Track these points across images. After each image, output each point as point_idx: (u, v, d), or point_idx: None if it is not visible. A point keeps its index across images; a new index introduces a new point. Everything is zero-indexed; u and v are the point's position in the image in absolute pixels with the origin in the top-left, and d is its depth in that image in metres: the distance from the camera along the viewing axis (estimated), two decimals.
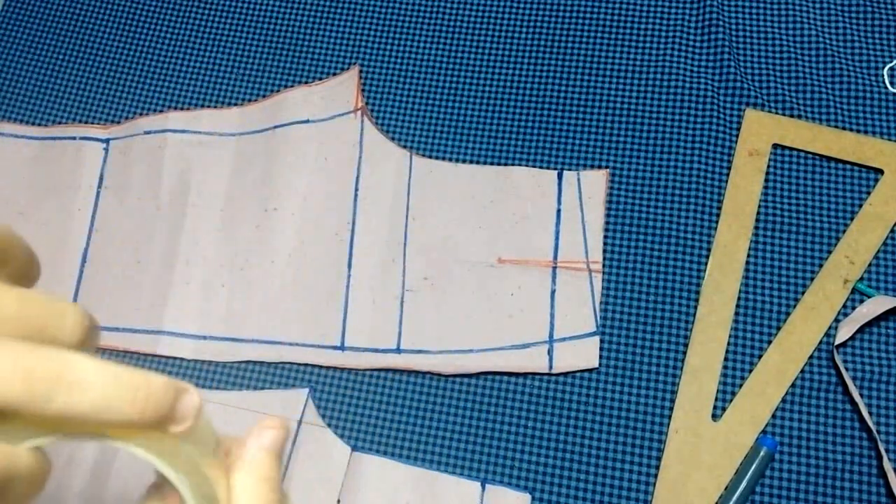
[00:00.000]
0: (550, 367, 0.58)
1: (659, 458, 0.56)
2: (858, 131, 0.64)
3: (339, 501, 0.55)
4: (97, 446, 0.58)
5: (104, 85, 0.71)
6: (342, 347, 0.60)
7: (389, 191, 0.64)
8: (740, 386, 0.57)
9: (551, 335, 0.59)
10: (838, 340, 0.57)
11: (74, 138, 0.68)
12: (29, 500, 0.24)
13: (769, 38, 0.68)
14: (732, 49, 0.67)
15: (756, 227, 0.62)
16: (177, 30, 0.72)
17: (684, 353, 0.58)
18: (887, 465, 0.54)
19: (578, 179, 0.64)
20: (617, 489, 0.55)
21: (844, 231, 0.61)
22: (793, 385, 0.57)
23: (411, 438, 0.58)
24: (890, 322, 0.59)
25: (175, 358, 0.61)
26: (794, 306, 0.59)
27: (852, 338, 0.58)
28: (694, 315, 0.59)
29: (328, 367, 0.60)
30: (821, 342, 0.58)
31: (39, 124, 0.69)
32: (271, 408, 0.59)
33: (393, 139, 0.66)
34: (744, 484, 0.54)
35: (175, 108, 0.69)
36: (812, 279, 0.60)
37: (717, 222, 0.62)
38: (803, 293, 0.59)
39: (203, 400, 0.27)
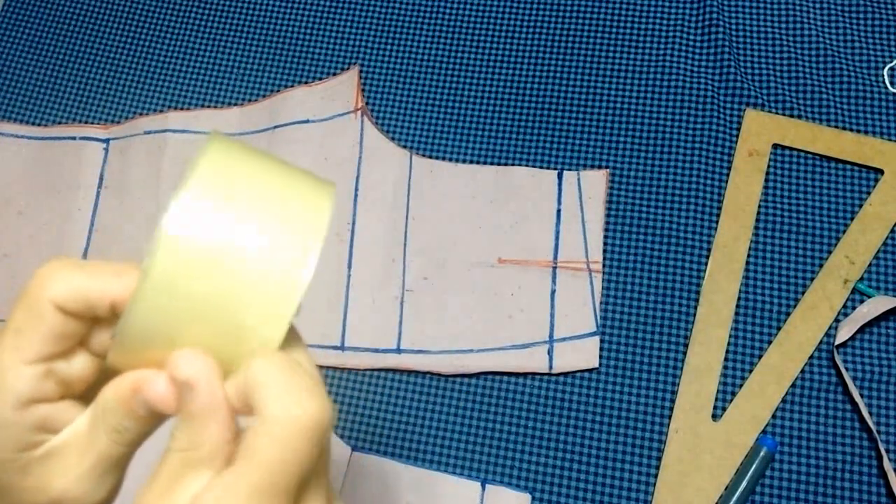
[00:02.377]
0: (550, 367, 0.58)
1: (659, 458, 0.56)
2: (858, 131, 0.64)
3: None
4: None
5: (104, 85, 0.71)
6: (342, 347, 0.60)
7: (389, 191, 0.64)
8: (740, 386, 0.57)
9: (551, 335, 0.59)
10: (838, 340, 0.57)
11: (74, 138, 0.68)
12: None
13: (769, 38, 0.68)
14: (732, 49, 0.67)
15: (756, 227, 0.62)
16: (177, 30, 0.72)
17: (684, 353, 0.58)
18: (887, 465, 0.54)
19: (578, 179, 0.64)
20: (617, 489, 0.55)
21: (844, 231, 0.61)
22: (793, 385, 0.57)
23: (411, 438, 0.58)
24: (890, 322, 0.59)
25: None
26: (794, 306, 0.59)
27: (852, 338, 0.58)
28: (694, 315, 0.59)
29: (328, 367, 0.60)
30: (821, 342, 0.58)
31: (39, 124, 0.69)
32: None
33: (393, 139, 0.66)
34: (744, 484, 0.54)
35: (175, 108, 0.69)
36: (812, 279, 0.60)
37: (717, 222, 0.62)
38: (803, 293, 0.59)
39: None
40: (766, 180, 0.63)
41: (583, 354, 0.58)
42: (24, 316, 0.27)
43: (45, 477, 0.27)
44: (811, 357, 0.58)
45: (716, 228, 0.62)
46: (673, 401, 0.57)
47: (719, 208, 0.62)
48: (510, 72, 0.68)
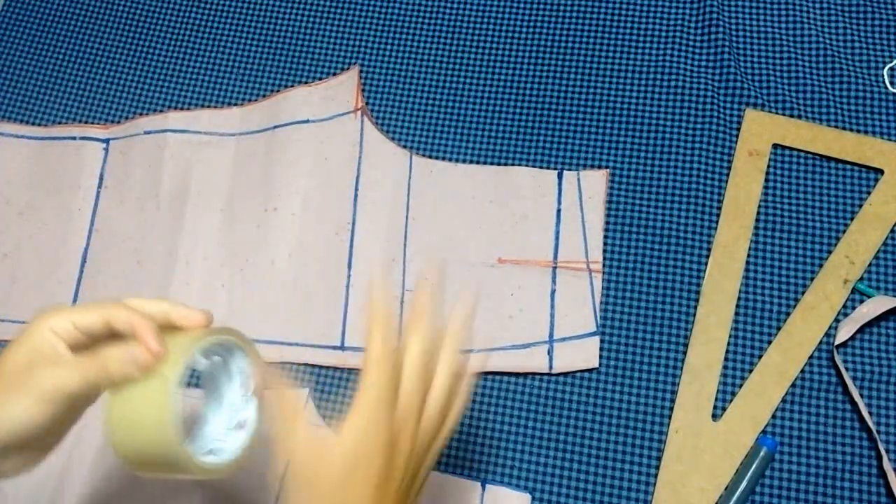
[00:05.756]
0: (550, 367, 0.58)
1: (659, 458, 0.56)
2: (858, 131, 0.64)
3: None
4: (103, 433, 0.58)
5: (104, 85, 0.71)
6: (342, 347, 0.60)
7: (389, 191, 0.64)
8: (740, 386, 0.57)
9: (551, 335, 0.59)
10: (838, 340, 0.57)
11: (74, 138, 0.68)
12: None
13: (769, 38, 0.68)
14: (732, 49, 0.67)
15: (756, 227, 0.62)
16: (177, 30, 0.72)
17: (684, 353, 0.58)
18: (887, 465, 0.54)
19: (578, 179, 0.64)
20: (617, 489, 0.55)
21: (844, 231, 0.61)
22: (793, 385, 0.57)
23: None
24: (890, 322, 0.59)
25: None
26: (794, 306, 0.59)
27: (852, 338, 0.58)
28: (694, 315, 0.59)
29: (328, 367, 0.60)
30: (821, 342, 0.58)
31: (39, 124, 0.69)
32: (270, 408, 0.58)
33: (393, 139, 0.66)
34: (744, 484, 0.54)
35: (175, 108, 0.69)
36: (812, 279, 0.60)
37: (717, 222, 0.62)
38: (803, 293, 0.59)
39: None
40: (766, 180, 0.63)
41: (583, 354, 0.58)
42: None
43: None
44: (811, 357, 0.58)
45: (716, 228, 0.62)
46: (673, 401, 0.57)
47: (719, 208, 0.62)
48: (510, 72, 0.68)
